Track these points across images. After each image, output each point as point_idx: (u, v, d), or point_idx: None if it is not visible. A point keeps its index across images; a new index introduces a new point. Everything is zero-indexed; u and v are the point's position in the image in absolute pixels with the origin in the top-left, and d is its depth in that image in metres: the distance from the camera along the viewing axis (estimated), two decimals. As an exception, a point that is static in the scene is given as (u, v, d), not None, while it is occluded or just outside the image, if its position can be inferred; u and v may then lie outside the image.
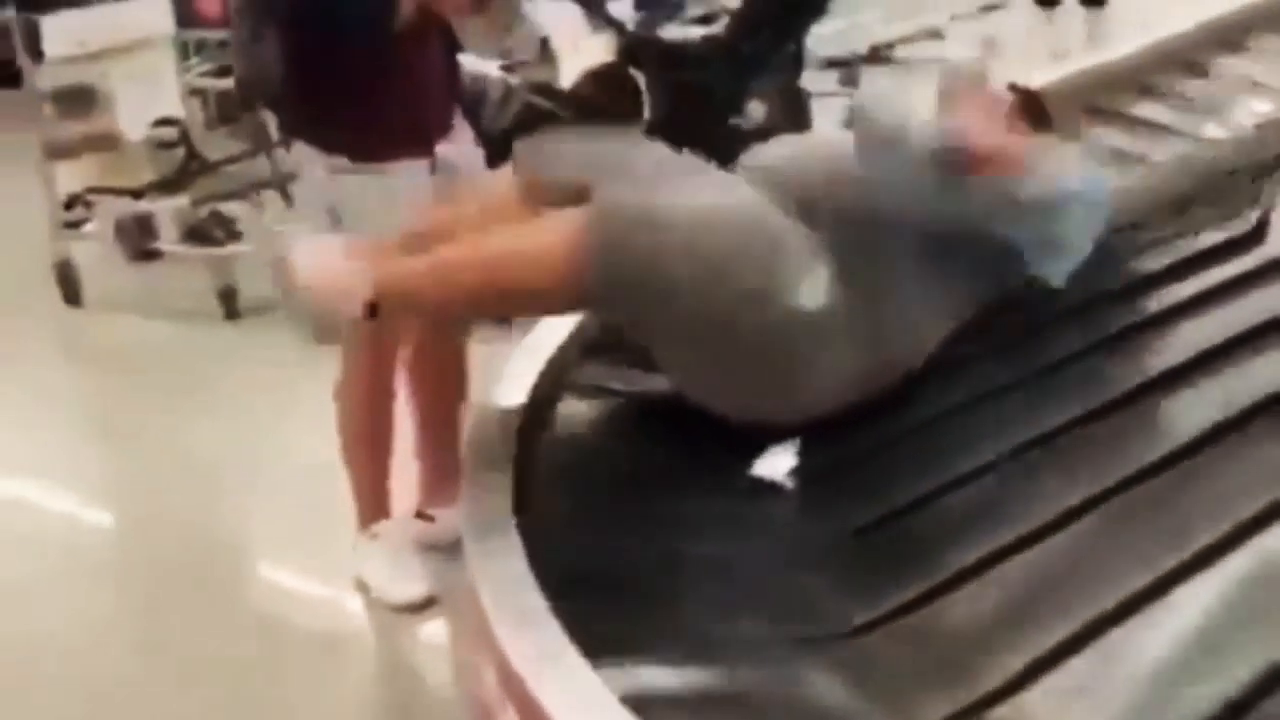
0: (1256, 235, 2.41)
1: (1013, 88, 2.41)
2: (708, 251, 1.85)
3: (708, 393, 1.92)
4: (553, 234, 1.88)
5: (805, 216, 1.92)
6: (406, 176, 2.45)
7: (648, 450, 1.95)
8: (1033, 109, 2.32)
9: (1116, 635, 1.43)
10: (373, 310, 1.94)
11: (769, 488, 1.86)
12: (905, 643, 1.52)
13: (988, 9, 2.49)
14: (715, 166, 2.14)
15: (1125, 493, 1.66)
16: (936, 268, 1.98)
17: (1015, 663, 1.42)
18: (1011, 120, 2.30)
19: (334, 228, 2.43)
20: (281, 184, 4.38)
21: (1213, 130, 3.20)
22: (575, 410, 2.06)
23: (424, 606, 2.70)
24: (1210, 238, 2.44)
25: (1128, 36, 3.68)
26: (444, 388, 2.74)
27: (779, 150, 2.13)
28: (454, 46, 2.63)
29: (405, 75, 2.39)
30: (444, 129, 2.55)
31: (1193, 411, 1.85)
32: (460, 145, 2.59)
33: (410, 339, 2.69)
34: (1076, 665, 1.41)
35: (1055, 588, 1.55)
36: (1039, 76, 2.65)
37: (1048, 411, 1.87)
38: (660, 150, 2.18)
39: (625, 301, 1.88)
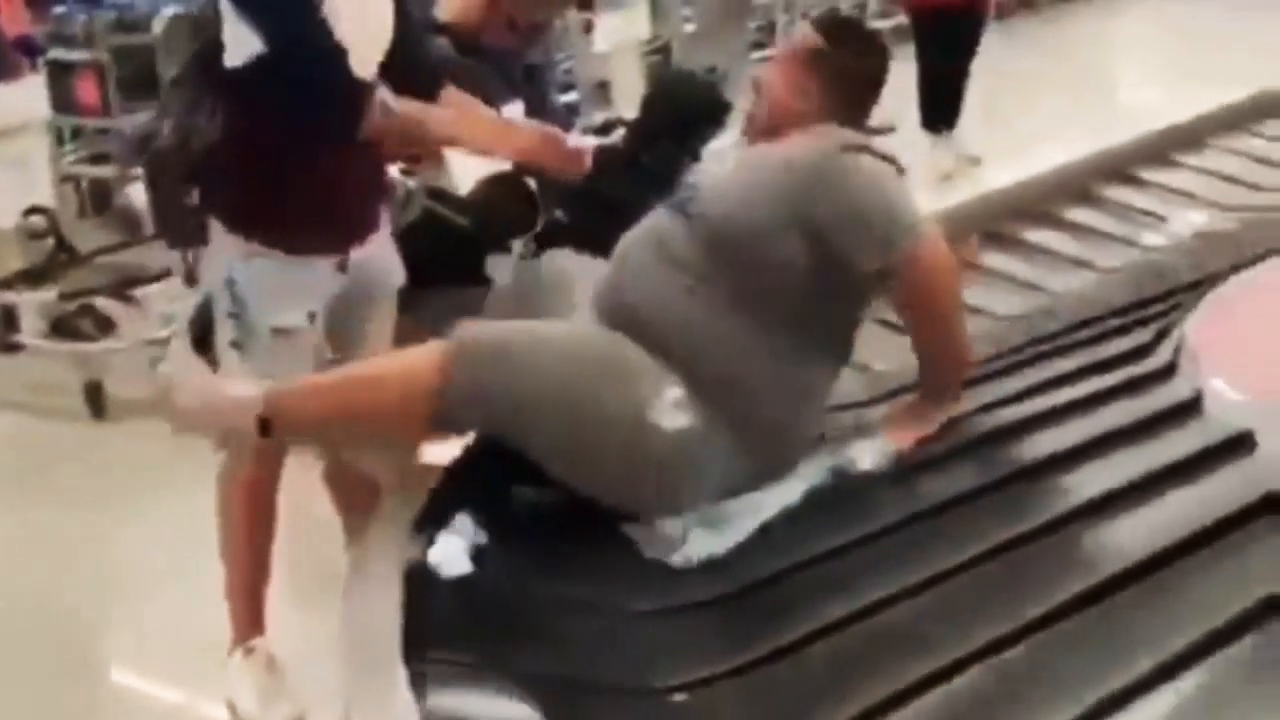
0: (1153, 347, 2.45)
1: (814, 21, 2.43)
2: (562, 375, 2.02)
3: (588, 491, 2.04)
4: (417, 357, 2.08)
5: (650, 345, 2.07)
6: (316, 272, 2.42)
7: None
8: (822, 63, 2.30)
9: (941, 692, 1.59)
10: (264, 426, 2.09)
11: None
12: (749, 698, 1.65)
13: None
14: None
15: (962, 573, 1.82)
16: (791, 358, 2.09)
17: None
18: (803, 74, 2.27)
19: (232, 305, 2.37)
20: (156, 279, 4.23)
21: (1152, 239, 3.33)
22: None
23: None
24: (1116, 346, 2.49)
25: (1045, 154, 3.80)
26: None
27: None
28: (382, 154, 2.57)
29: (337, 172, 2.36)
30: (366, 231, 2.50)
31: (1039, 503, 2.00)
32: (380, 250, 2.54)
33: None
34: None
35: (890, 654, 1.68)
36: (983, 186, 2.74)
37: (905, 504, 2.03)
38: None
39: (483, 423, 2.05)
